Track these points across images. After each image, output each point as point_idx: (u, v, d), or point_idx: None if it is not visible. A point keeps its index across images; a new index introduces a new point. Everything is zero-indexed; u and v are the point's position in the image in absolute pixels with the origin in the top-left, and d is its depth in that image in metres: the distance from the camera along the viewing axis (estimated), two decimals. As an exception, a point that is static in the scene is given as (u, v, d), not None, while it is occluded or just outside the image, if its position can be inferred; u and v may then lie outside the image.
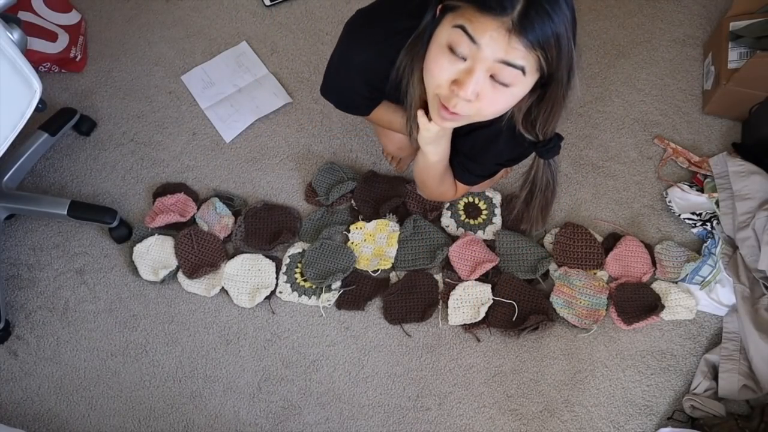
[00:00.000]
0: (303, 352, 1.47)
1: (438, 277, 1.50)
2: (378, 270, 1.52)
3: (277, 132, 1.69)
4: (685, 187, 1.51)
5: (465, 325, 1.44)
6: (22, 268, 1.59)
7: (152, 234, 1.57)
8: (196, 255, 1.53)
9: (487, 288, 1.45)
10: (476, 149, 1.18)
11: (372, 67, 1.10)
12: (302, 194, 1.62)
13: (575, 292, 1.43)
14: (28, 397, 1.47)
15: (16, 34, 1.16)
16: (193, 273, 1.51)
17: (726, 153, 1.51)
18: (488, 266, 1.46)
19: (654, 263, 1.47)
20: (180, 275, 1.53)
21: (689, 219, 1.49)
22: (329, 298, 1.49)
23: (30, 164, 1.62)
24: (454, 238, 1.52)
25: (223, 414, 1.43)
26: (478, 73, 0.87)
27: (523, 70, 0.86)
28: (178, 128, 1.71)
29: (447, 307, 1.45)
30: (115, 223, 1.55)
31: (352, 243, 1.54)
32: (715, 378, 1.35)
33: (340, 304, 1.49)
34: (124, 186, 1.66)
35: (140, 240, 1.56)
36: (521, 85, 0.90)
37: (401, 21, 1.02)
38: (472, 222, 1.55)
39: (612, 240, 1.50)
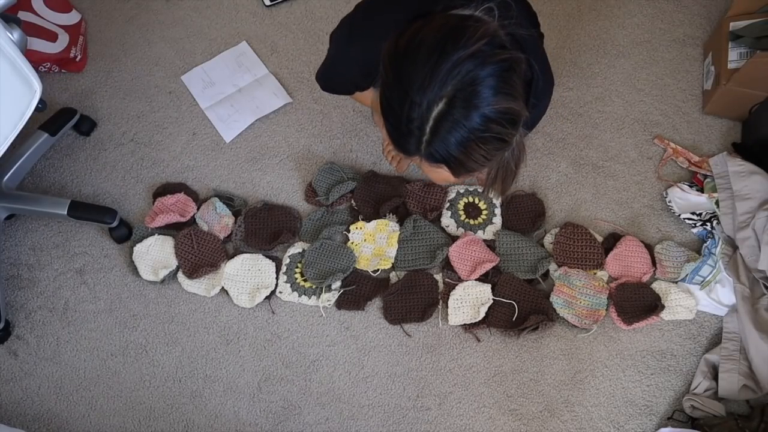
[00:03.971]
0: (303, 352, 1.47)
1: (438, 277, 1.50)
2: (378, 270, 1.52)
3: (277, 132, 1.69)
4: (685, 187, 1.51)
5: (465, 325, 1.44)
6: (22, 268, 1.59)
7: (152, 234, 1.57)
8: (196, 255, 1.53)
9: (487, 288, 1.45)
10: None
11: (372, 58, 1.09)
12: (302, 194, 1.62)
13: (575, 292, 1.43)
14: (28, 397, 1.47)
15: (16, 34, 1.16)
16: (193, 273, 1.51)
17: (726, 153, 1.51)
18: (488, 266, 1.46)
19: (654, 263, 1.47)
20: (180, 275, 1.53)
21: (689, 219, 1.49)
22: (329, 298, 1.49)
23: (30, 164, 1.62)
24: (454, 238, 1.52)
25: (223, 414, 1.43)
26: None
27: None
28: (178, 128, 1.71)
29: (447, 307, 1.45)
30: (115, 223, 1.55)
31: (352, 243, 1.54)
32: (715, 378, 1.35)
33: (340, 304, 1.49)
34: (124, 186, 1.66)
35: (140, 240, 1.56)
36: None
37: (399, 13, 1.02)
38: (472, 222, 1.55)
39: (612, 240, 1.50)
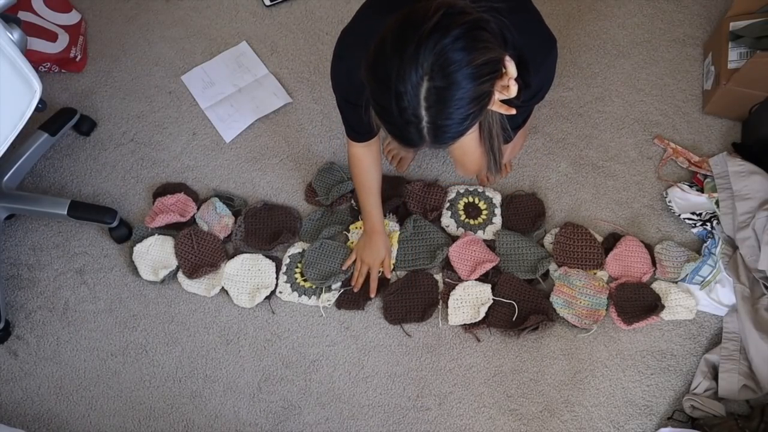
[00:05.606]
0: (303, 352, 1.47)
1: (438, 277, 1.50)
2: (378, 270, 1.52)
3: (277, 132, 1.69)
4: (685, 187, 1.51)
5: (465, 325, 1.44)
6: (22, 268, 1.59)
7: (152, 234, 1.57)
8: (196, 255, 1.53)
9: (487, 288, 1.45)
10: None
11: (351, 81, 1.09)
12: (302, 194, 1.62)
13: (575, 292, 1.43)
14: (28, 397, 1.47)
15: (16, 34, 1.16)
16: (193, 273, 1.51)
17: (726, 153, 1.51)
18: (488, 266, 1.46)
19: (654, 263, 1.47)
20: (180, 275, 1.53)
21: (689, 219, 1.49)
22: (329, 298, 1.49)
23: (30, 164, 1.62)
24: (454, 238, 1.52)
25: (223, 414, 1.43)
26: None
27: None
28: (178, 128, 1.71)
29: (447, 307, 1.45)
30: (115, 223, 1.55)
31: (352, 243, 1.54)
32: (715, 378, 1.35)
33: (340, 304, 1.49)
34: (124, 186, 1.66)
35: (140, 240, 1.56)
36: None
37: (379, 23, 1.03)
38: (472, 222, 1.55)
39: (612, 240, 1.50)
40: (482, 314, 1.42)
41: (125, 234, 1.58)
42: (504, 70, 0.94)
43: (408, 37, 0.85)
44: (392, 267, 1.51)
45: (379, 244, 1.47)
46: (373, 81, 0.90)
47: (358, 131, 1.27)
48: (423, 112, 0.88)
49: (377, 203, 1.42)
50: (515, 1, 1.07)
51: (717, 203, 1.46)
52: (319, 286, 1.49)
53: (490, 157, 1.19)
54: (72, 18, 1.79)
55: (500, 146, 1.17)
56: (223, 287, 1.52)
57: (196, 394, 1.45)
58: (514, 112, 1.01)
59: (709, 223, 1.47)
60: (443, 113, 0.88)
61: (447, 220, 1.55)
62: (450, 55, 0.85)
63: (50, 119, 1.64)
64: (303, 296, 1.50)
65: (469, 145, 1.18)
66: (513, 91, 0.96)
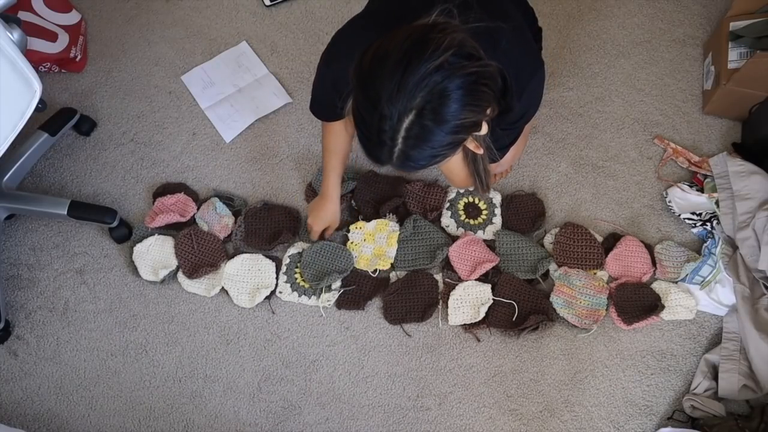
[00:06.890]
0: (303, 352, 1.47)
1: (438, 277, 1.50)
2: (377, 270, 1.52)
3: (277, 132, 1.69)
4: (685, 187, 1.51)
5: (465, 325, 1.44)
6: (22, 268, 1.59)
7: (152, 234, 1.57)
8: (196, 255, 1.53)
9: (487, 288, 1.45)
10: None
11: (343, 79, 1.10)
12: (302, 194, 1.62)
13: (575, 292, 1.43)
14: (28, 397, 1.47)
15: (16, 34, 1.16)
16: (193, 273, 1.51)
17: (726, 153, 1.51)
18: (488, 266, 1.46)
19: (654, 263, 1.47)
20: (180, 275, 1.53)
21: (689, 219, 1.49)
22: (329, 298, 1.49)
23: (30, 164, 1.62)
24: (454, 238, 1.52)
25: (223, 414, 1.43)
26: None
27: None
28: (178, 128, 1.71)
29: (447, 307, 1.45)
30: (115, 223, 1.55)
31: (352, 243, 1.54)
32: (715, 378, 1.35)
33: (340, 304, 1.49)
34: (124, 186, 1.66)
35: (140, 240, 1.56)
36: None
37: (370, 31, 1.03)
38: (472, 222, 1.55)
39: (612, 240, 1.50)
40: (482, 314, 1.42)
41: (125, 234, 1.58)
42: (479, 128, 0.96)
43: (413, 63, 0.84)
44: (391, 266, 1.52)
45: (327, 209, 1.47)
46: (361, 93, 0.90)
47: (328, 117, 1.31)
48: (400, 140, 0.89)
49: (337, 167, 1.42)
50: (513, 22, 1.07)
51: (717, 203, 1.46)
52: (316, 287, 1.49)
53: (476, 179, 1.22)
54: (72, 18, 1.79)
55: (486, 167, 1.19)
56: (223, 287, 1.52)
57: (196, 394, 1.45)
58: (481, 152, 1.08)
59: (709, 223, 1.47)
60: (418, 147, 0.90)
61: (447, 220, 1.55)
62: (446, 101, 0.85)
63: (50, 119, 1.64)
64: (303, 296, 1.50)
65: (455, 164, 1.21)
66: (479, 146, 1.05)
